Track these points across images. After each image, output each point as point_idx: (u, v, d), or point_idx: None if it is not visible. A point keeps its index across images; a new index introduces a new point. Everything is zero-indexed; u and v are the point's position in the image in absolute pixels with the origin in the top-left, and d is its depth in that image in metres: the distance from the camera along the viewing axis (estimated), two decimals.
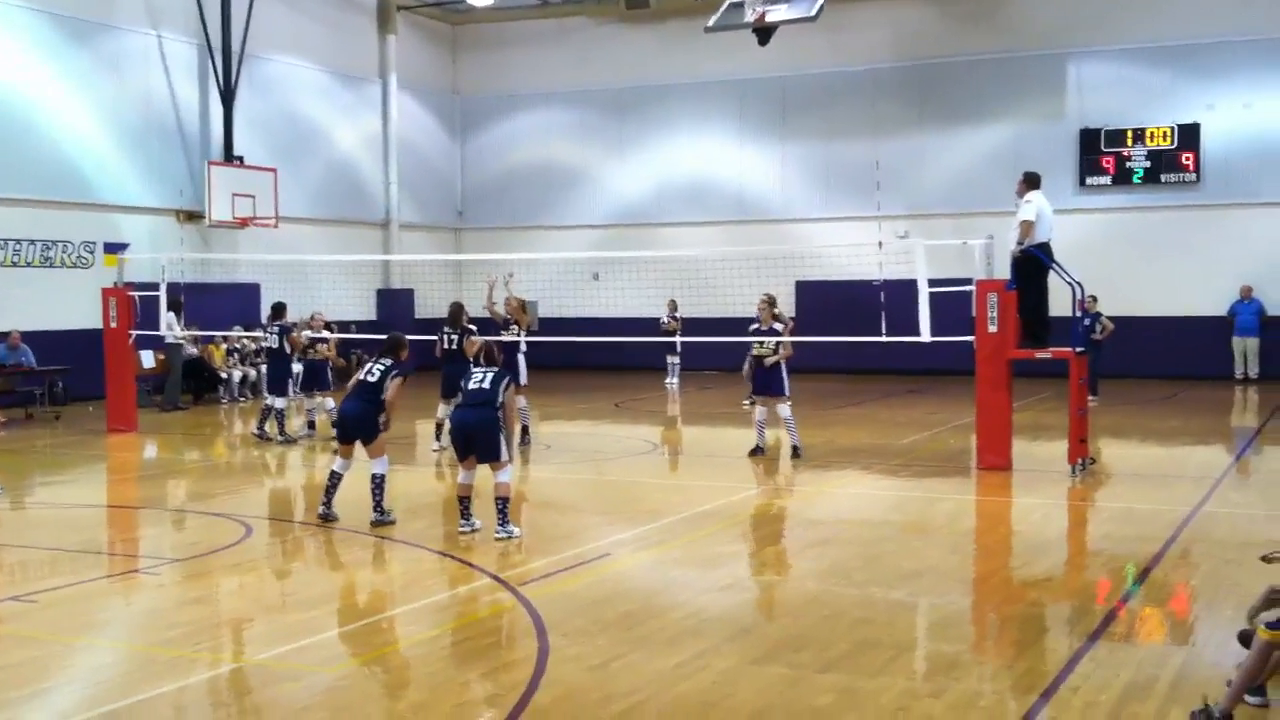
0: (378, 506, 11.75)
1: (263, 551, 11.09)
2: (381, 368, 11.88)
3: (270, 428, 18.22)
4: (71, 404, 22.42)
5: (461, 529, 11.18)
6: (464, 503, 11.24)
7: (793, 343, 16.32)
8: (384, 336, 12.83)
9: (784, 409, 16.00)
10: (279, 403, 18.27)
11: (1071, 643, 7.91)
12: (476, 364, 11.58)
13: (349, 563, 10.83)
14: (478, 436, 11.02)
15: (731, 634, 8.12)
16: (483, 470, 11.18)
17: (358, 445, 11.83)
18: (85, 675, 7.48)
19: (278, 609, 9.11)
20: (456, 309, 17.06)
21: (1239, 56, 26.94)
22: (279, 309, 18.95)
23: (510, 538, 10.91)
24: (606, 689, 6.94)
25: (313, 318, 18.84)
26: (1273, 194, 26.69)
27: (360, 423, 11.76)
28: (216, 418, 22.69)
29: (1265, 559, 7.66)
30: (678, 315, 27.12)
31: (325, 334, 18.63)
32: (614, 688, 6.96)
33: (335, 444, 12.49)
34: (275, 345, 18.49)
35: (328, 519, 11.90)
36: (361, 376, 11.95)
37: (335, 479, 11.94)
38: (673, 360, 27.27)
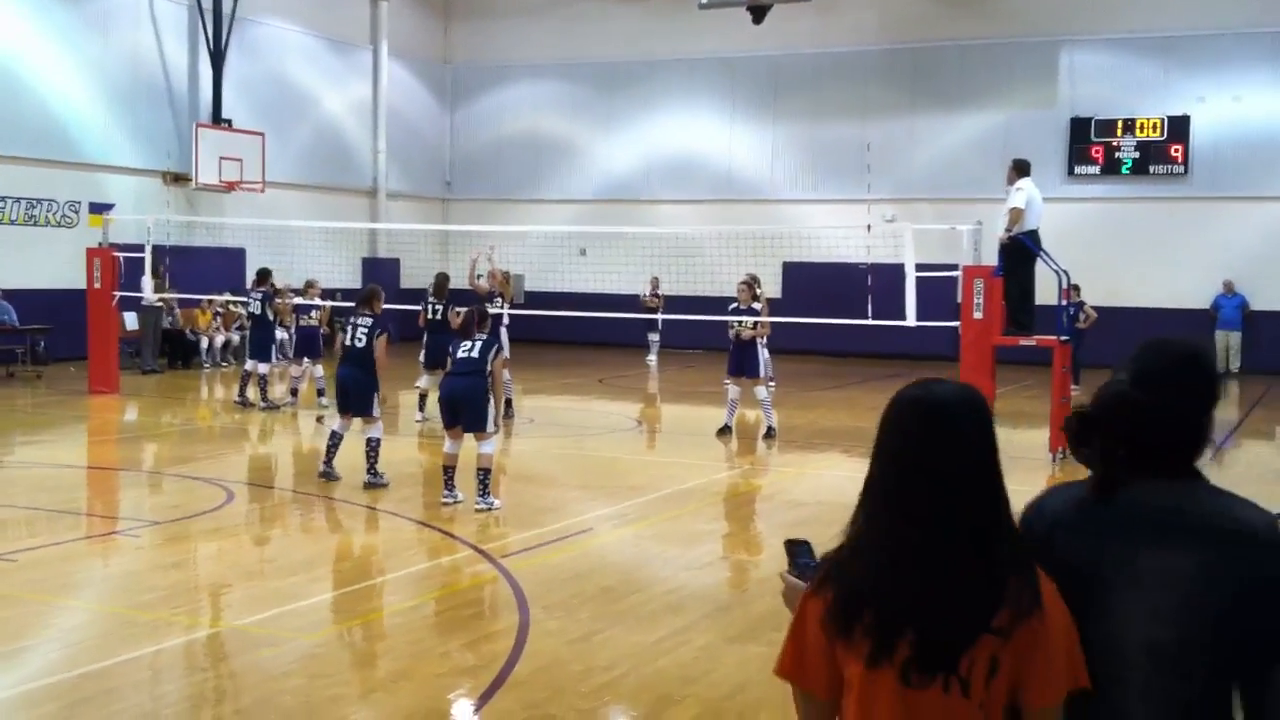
0: (371, 469, 12.01)
1: (243, 517, 11.07)
2: (365, 329, 12.08)
3: (253, 393, 18.19)
4: (53, 364, 22.31)
5: (444, 500, 11.18)
6: (448, 473, 11.24)
7: (773, 322, 16.32)
8: None
9: (760, 390, 15.99)
10: (261, 368, 18.25)
11: None
12: (465, 333, 11.56)
13: (330, 531, 10.84)
14: (465, 405, 11.02)
15: (711, 611, 8.14)
16: (468, 442, 11.18)
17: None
18: (62, 636, 7.46)
19: (257, 575, 9.09)
20: (442, 279, 17.11)
21: (1230, 49, 26.97)
22: (263, 274, 18.89)
23: (490, 509, 10.92)
24: (587, 662, 6.96)
25: (308, 285, 18.86)
26: (1259, 188, 26.77)
27: (358, 391, 12.08)
28: (198, 382, 22.62)
29: None
30: (659, 293, 27.06)
31: (318, 301, 18.65)
32: (594, 661, 6.98)
33: (323, 409, 12.58)
34: (258, 311, 18.42)
35: (329, 478, 12.18)
36: (347, 342, 12.12)
37: (335, 439, 12.29)
38: (653, 337, 27.27)
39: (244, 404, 18.14)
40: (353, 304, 12.89)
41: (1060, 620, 2.47)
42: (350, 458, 12.54)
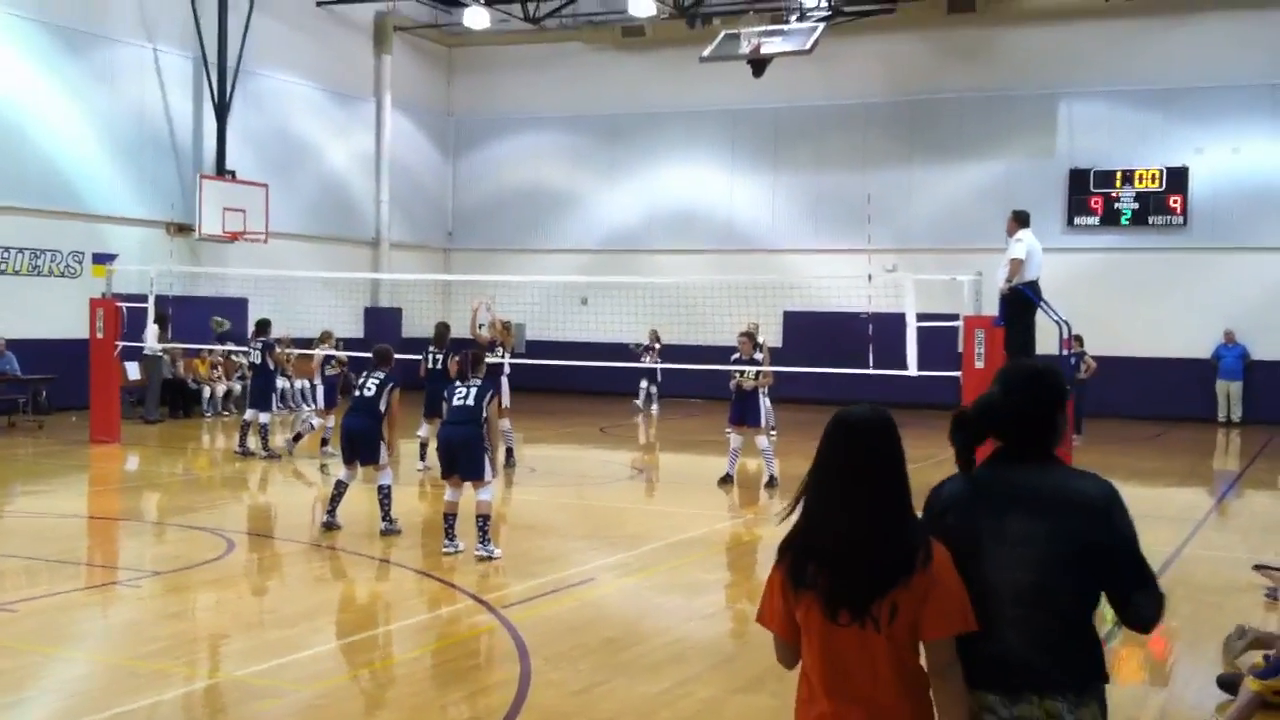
0: (385, 516, 12.09)
1: (243, 567, 11.03)
2: (376, 381, 12.23)
3: (254, 443, 18.16)
4: (55, 413, 22.30)
5: (445, 549, 11.15)
6: (449, 521, 11.22)
7: (774, 372, 16.35)
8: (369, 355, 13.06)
9: (762, 440, 15.98)
10: (262, 417, 18.24)
11: None
12: (461, 377, 11.58)
13: (331, 581, 10.79)
14: (462, 454, 11.03)
15: (715, 662, 8.10)
16: (468, 490, 11.16)
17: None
18: (62, 687, 7.43)
19: (257, 625, 9.06)
20: (442, 329, 17.15)
21: (1228, 101, 27.14)
22: (263, 325, 18.94)
23: (490, 558, 10.89)
24: (588, 715, 6.92)
25: (324, 336, 18.90)
26: (1258, 239, 26.85)
27: (365, 439, 12.15)
28: (200, 431, 22.60)
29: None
30: (658, 345, 27.11)
31: (334, 351, 18.70)
32: (595, 714, 6.94)
33: (327, 458, 12.59)
34: (258, 361, 18.46)
35: (330, 527, 12.18)
36: (358, 393, 12.21)
37: (340, 488, 12.31)
38: (649, 387, 27.32)
39: (245, 453, 18.11)
40: (363, 352, 13.00)
41: (948, 577, 3.42)
42: (352, 507, 12.54)
